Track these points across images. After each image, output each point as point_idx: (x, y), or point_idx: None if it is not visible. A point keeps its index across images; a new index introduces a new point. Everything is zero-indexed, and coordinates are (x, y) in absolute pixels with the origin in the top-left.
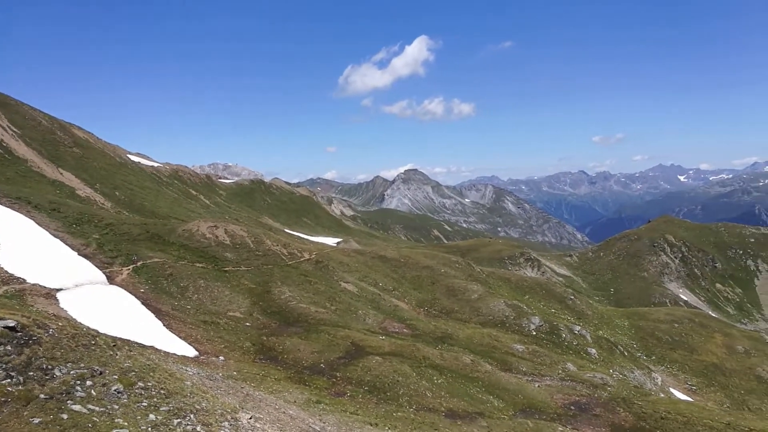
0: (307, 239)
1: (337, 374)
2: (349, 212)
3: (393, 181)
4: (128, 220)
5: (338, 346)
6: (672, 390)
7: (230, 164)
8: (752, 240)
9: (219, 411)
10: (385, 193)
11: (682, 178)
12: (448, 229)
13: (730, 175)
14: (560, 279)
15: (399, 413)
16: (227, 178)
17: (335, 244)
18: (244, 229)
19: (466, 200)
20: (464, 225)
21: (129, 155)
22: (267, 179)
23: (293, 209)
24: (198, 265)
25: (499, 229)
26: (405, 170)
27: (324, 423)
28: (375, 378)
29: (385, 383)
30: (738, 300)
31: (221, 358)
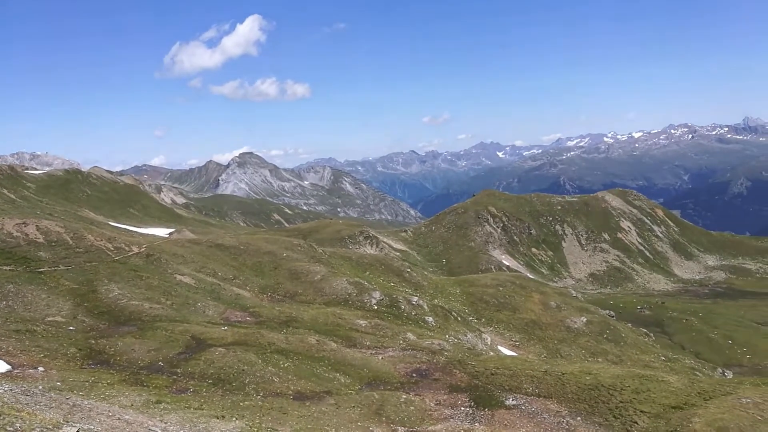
0: (135, 231)
1: (178, 371)
2: (181, 200)
3: (228, 166)
4: None
5: (177, 341)
6: (500, 347)
7: (39, 153)
8: (559, 207)
9: (37, 429)
10: (220, 178)
11: (500, 154)
12: (289, 212)
13: (540, 150)
14: (397, 254)
15: (246, 402)
16: (36, 169)
17: (167, 235)
18: (60, 224)
19: (306, 182)
20: (305, 207)
21: None
22: (85, 168)
23: (117, 200)
24: (5, 268)
25: (338, 209)
26: (240, 153)
27: (165, 423)
28: (219, 370)
29: (230, 374)
30: (550, 261)
31: (41, 368)
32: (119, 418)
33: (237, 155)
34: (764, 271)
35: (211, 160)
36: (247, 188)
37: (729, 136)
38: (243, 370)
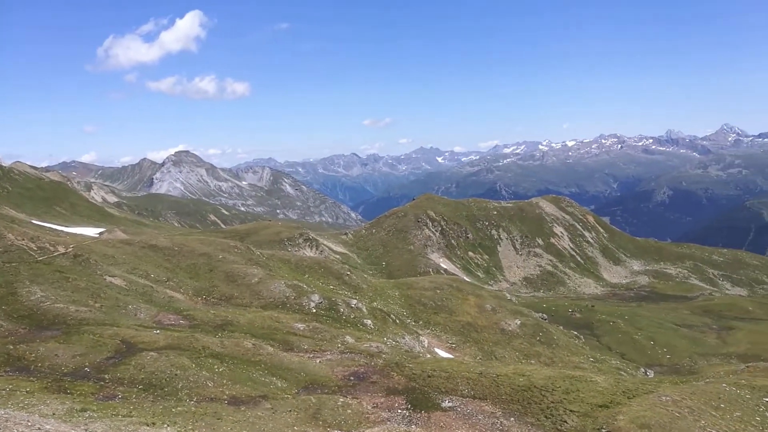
0: (62, 231)
1: (106, 376)
2: (112, 199)
3: (163, 164)
4: None
5: (106, 346)
6: (436, 350)
7: None
8: (495, 213)
9: None
10: (154, 177)
11: (440, 159)
12: (226, 213)
13: (478, 157)
14: (337, 256)
15: (179, 408)
16: None
17: (97, 235)
18: None
19: (244, 183)
20: (242, 208)
21: None
22: (6, 163)
23: (42, 197)
24: None
25: (278, 211)
26: (176, 152)
27: None
28: (150, 375)
29: (161, 379)
30: (486, 265)
31: None
32: (39, 428)
33: (173, 153)
34: (683, 276)
35: (145, 158)
36: (182, 188)
37: (654, 147)
38: (176, 374)
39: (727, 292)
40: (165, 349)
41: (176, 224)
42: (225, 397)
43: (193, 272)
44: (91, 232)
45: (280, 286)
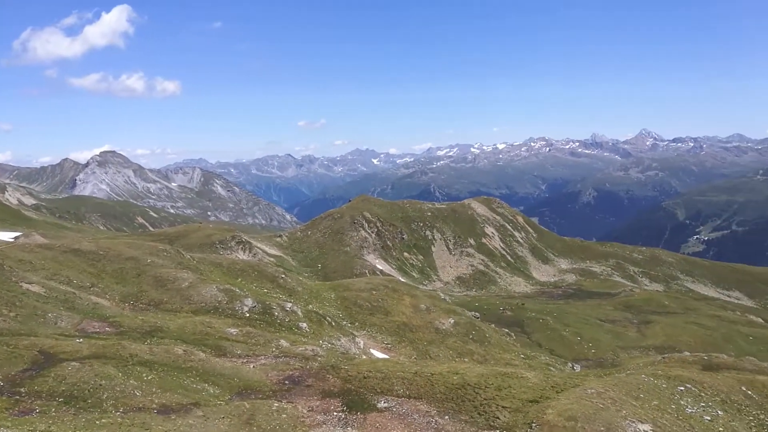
0: None
1: (22, 390)
2: (30, 201)
3: (87, 165)
4: None
5: (22, 357)
6: (372, 351)
7: None
8: (429, 214)
9: None
10: (77, 178)
11: (375, 161)
12: (155, 215)
13: (412, 159)
14: (272, 259)
15: (103, 420)
16: None
17: (12, 239)
18: None
19: (173, 184)
20: (172, 210)
21: None
22: None
23: None
24: None
25: (209, 213)
26: (101, 152)
27: None
28: (72, 387)
29: (85, 390)
30: (420, 265)
31: None
32: None
33: (98, 153)
34: (607, 273)
35: (67, 158)
36: (108, 189)
37: (580, 150)
38: (100, 385)
39: (645, 288)
40: (89, 359)
41: (101, 227)
42: (154, 406)
43: (119, 277)
44: (6, 236)
45: (212, 290)
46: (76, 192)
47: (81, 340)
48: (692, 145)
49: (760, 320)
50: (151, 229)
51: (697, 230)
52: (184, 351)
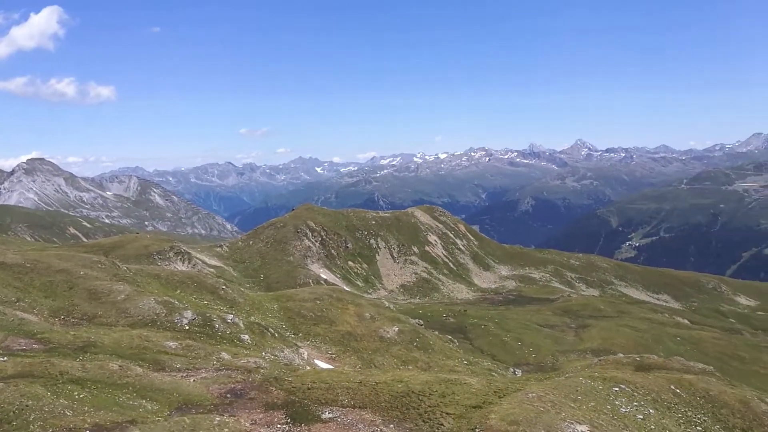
0: None
1: None
2: None
3: (12, 173)
4: None
5: None
6: (316, 361)
7: None
8: (373, 222)
9: None
10: (2, 187)
11: (319, 169)
12: (88, 225)
13: (356, 168)
14: (212, 270)
15: None
16: None
17: None
18: None
19: (108, 193)
20: (107, 220)
21: None
22: None
23: None
24: None
25: (146, 223)
26: (28, 159)
27: None
28: None
29: (9, 412)
30: (365, 274)
31: None
32: None
33: (25, 161)
34: (546, 279)
35: None
36: (36, 198)
37: (518, 160)
38: (27, 405)
39: (582, 293)
40: (13, 378)
41: (29, 239)
42: (86, 425)
43: (49, 291)
44: None
45: (150, 302)
46: (1, 201)
47: (5, 358)
48: (623, 155)
49: (686, 321)
50: (84, 240)
51: (629, 237)
52: (120, 366)
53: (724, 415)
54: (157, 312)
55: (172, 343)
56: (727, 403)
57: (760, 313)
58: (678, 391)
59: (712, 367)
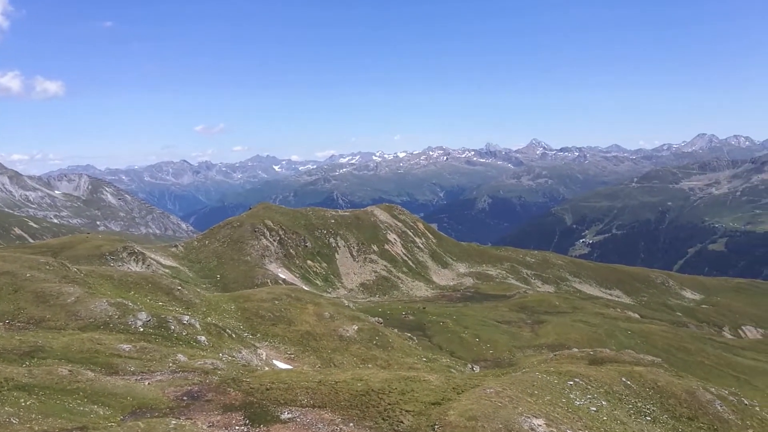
0: None
1: None
2: None
3: None
4: None
5: None
6: (275, 362)
7: None
8: (332, 221)
9: None
10: None
11: (276, 168)
12: (35, 226)
13: (315, 166)
14: (167, 270)
15: None
16: None
17: None
18: None
19: (57, 192)
20: (56, 220)
21: None
22: None
23: None
24: None
25: (98, 223)
26: None
27: None
28: None
29: None
30: (324, 273)
31: None
32: None
33: None
34: (502, 276)
35: None
36: None
37: (475, 159)
38: None
39: (538, 289)
40: None
41: None
42: None
43: None
44: None
45: (102, 304)
46: None
47: None
48: (577, 154)
49: (637, 316)
50: (30, 240)
51: (582, 234)
52: (70, 371)
53: (671, 404)
54: (110, 314)
55: (125, 346)
56: (674, 393)
57: (704, 306)
58: (629, 382)
59: (660, 359)
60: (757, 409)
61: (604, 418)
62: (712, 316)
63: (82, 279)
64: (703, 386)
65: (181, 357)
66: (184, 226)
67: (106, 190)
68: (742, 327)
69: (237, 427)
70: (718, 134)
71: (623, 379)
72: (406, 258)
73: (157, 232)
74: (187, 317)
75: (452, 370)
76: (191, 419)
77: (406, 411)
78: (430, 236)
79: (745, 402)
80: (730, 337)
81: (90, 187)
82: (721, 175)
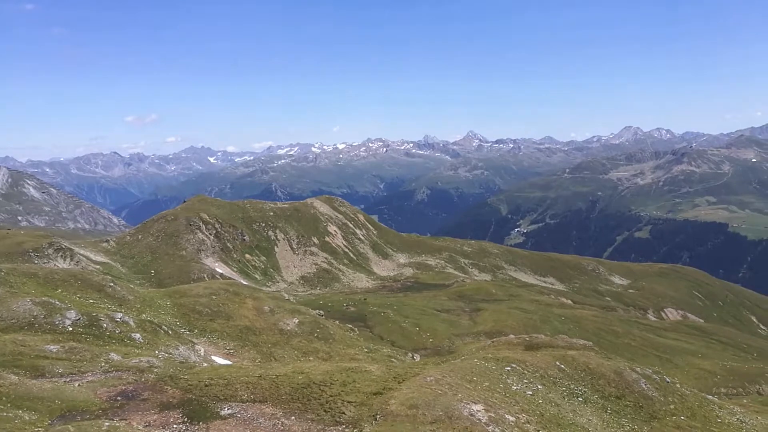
0: None
1: None
2: None
3: None
4: None
5: None
6: (214, 357)
7: None
8: (271, 214)
9: None
10: None
11: (212, 159)
12: None
13: (252, 157)
14: (97, 267)
15: None
16: None
17: None
18: None
19: None
20: None
21: None
22: None
23: None
24: None
25: (20, 218)
26: None
27: None
28: None
29: None
30: (263, 267)
31: None
32: None
33: None
34: (441, 266)
35: None
36: None
37: (414, 150)
38: None
39: (475, 278)
40: None
41: None
42: None
43: None
44: None
45: (26, 304)
46: None
47: None
48: (512, 146)
49: (570, 302)
50: None
51: (517, 224)
52: None
53: (601, 385)
54: (35, 314)
55: (52, 347)
56: (604, 374)
57: (631, 291)
58: (562, 366)
59: (591, 343)
60: (678, 385)
61: (540, 401)
62: (637, 300)
63: (3, 277)
64: (630, 366)
65: (114, 356)
66: (115, 220)
67: (28, 183)
68: (665, 309)
69: (175, 426)
70: (642, 127)
71: (557, 363)
72: (347, 250)
73: (87, 227)
74: (120, 315)
75: (393, 359)
76: (126, 420)
77: (348, 402)
78: (371, 228)
79: (667, 380)
80: (653, 319)
81: (10, 180)
82: (645, 166)
